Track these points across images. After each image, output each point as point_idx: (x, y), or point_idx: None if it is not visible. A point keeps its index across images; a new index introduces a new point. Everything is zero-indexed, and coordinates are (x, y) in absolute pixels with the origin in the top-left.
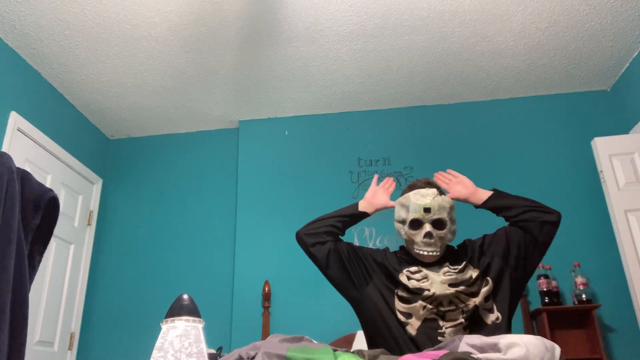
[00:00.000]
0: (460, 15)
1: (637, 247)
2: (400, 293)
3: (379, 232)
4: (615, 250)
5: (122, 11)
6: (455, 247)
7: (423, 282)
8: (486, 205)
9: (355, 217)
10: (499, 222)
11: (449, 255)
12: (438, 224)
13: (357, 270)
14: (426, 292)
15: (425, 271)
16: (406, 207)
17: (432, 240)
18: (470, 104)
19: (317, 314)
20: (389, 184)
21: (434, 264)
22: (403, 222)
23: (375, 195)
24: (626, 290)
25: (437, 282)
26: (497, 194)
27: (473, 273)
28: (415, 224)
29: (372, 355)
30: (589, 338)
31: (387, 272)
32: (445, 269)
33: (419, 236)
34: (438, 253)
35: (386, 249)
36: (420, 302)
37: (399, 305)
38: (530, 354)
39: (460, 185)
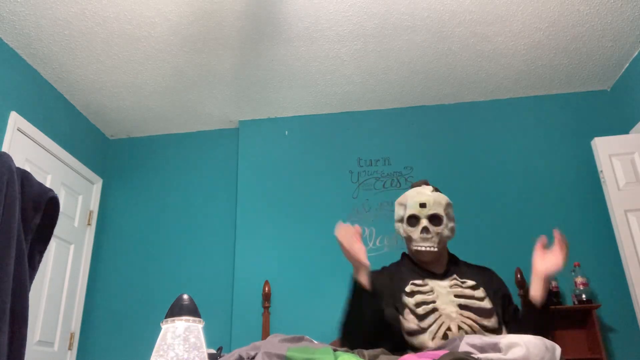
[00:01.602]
0: (460, 15)
1: (637, 247)
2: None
3: (379, 232)
4: (615, 250)
5: (122, 11)
6: (474, 266)
7: (429, 295)
8: (535, 306)
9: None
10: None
11: (456, 268)
12: (434, 219)
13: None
14: (430, 318)
15: (430, 284)
16: (404, 206)
17: (429, 236)
18: (470, 104)
19: (317, 314)
20: (353, 239)
21: (441, 276)
22: (401, 220)
23: (353, 257)
24: (626, 290)
25: (442, 294)
26: (544, 309)
27: (482, 295)
28: (412, 220)
29: (372, 355)
30: (589, 338)
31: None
32: (453, 281)
33: (416, 232)
34: (435, 249)
35: (392, 274)
36: (429, 327)
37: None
38: (530, 353)
39: (553, 261)
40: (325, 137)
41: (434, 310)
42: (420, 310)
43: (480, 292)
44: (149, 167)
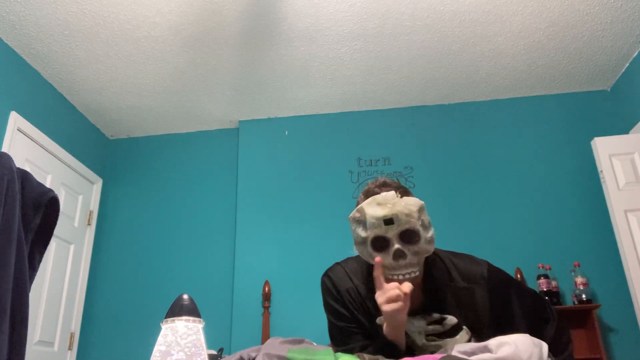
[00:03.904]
0: (460, 15)
1: (637, 247)
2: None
3: None
4: (615, 250)
5: (122, 11)
6: (459, 273)
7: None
8: None
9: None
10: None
11: (434, 293)
12: (408, 235)
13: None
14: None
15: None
16: (362, 223)
17: (407, 261)
18: (470, 104)
19: (317, 314)
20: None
21: (414, 311)
22: (363, 242)
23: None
24: (626, 290)
25: (417, 345)
26: None
27: (466, 338)
28: (379, 243)
29: (372, 358)
30: (589, 338)
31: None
32: (431, 326)
33: (387, 258)
34: (417, 273)
35: (356, 305)
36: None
37: None
38: (519, 350)
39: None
40: (325, 137)
41: None
42: None
43: (463, 336)
44: (148, 167)
